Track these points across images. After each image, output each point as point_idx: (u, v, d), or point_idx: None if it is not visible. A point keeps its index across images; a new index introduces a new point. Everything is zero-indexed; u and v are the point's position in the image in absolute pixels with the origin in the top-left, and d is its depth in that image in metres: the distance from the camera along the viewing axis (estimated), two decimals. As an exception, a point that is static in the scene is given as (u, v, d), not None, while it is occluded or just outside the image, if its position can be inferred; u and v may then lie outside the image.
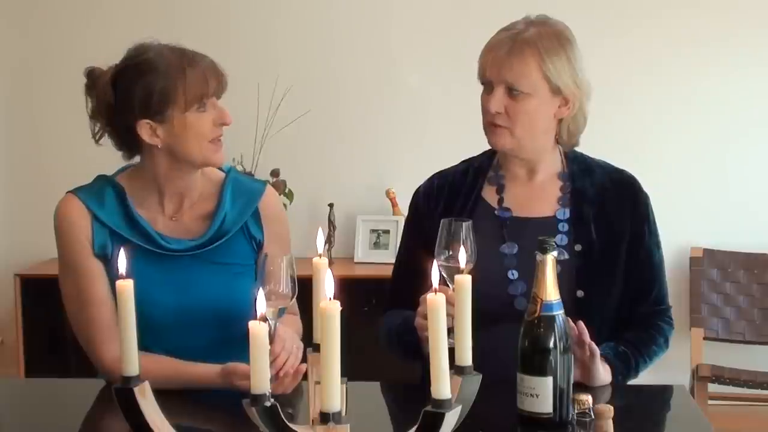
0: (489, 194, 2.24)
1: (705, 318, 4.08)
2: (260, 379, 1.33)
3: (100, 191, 2.12)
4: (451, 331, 1.41)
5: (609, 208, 2.20)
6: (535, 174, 2.23)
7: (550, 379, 1.74)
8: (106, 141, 2.14)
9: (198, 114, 2.04)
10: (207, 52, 2.11)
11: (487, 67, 2.14)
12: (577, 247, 2.15)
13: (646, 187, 2.26)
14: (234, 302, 2.04)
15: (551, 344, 1.75)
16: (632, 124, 4.19)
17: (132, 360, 1.47)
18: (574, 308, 2.02)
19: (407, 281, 2.10)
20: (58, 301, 2.16)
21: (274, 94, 4.12)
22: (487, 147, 2.28)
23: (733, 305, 4.11)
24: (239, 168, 3.86)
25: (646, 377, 2.16)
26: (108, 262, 2.06)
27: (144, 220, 2.10)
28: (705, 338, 4.05)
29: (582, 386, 1.94)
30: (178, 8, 4.26)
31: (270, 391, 1.34)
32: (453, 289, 1.49)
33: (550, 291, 1.76)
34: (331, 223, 4.21)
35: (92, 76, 2.09)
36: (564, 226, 2.18)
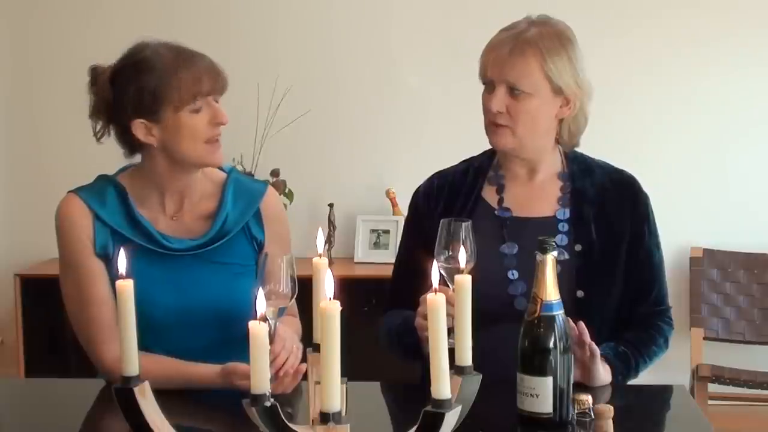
0: (489, 194, 2.24)
1: (705, 318, 4.08)
2: (260, 379, 1.33)
3: (102, 191, 2.12)
4: (451, 331, 1.41)
5: (609, 209, 2.20)
6: (535, 174, 2.23)
7: (550, 379, 1.74)
8: (107, 141, 2.14)
9: (192, 114, 2.03)
10: (207, 52, 2.10)
11: (488, 66, 2.14)
12: (577, 247, 2.15)
13: (646, 187, 2.26)
14: (234, 302, 2.04)
15: (551, 344, 1.75)
16: (632, 124, 4.19)
17: (132, 360, 1.47)
18: (574, 308, 2.02)
19: (407, 281, 2.10)
20: (58, 301, 2.16)
21: (274, 94, 4.12)
22: (487, 147, 2.28)
23: (733, 305, 4.11)
24: (239, 168, 3.86)
25: (646, 377, 2.16)
26: (109, 261, 2.06)
27: (145, 220, 2.10)
28: (705, 338, 4.05)
29: (582, 386, 1.94)
30: (178, 8, 4.26)
31: (270, 391, 1.34)
32: (453, 289, 1.49)
33: (550, 291, 1.76)
34: (331, 223, 4.21)
35: (94, 73, 2.09)
36: (564, 226, 2.18)
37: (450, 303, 1.43)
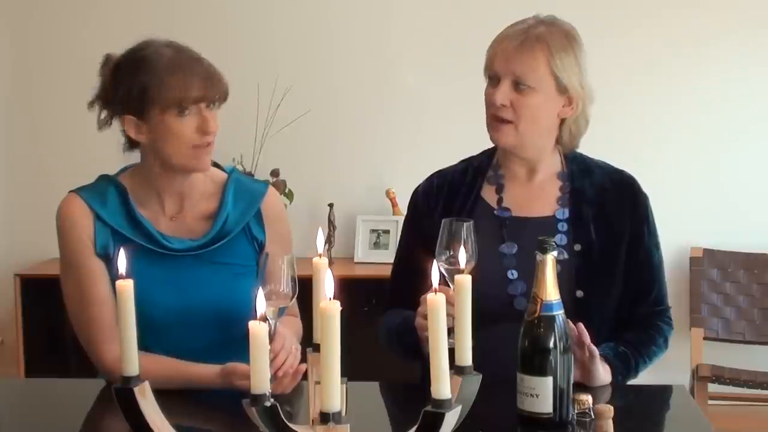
0: (488, 194, 2.24)
1: (705, 318, 4.08)
2: (260, 379, 1.33)
3: (103, 191, 2.12)
4: (451, 331, 1.41)
5: (608, 209, 2.20)
6: (534, 174, 2.23)
7: (550, 379, 1.74)
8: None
9: (178, 118, 2.02)
10: (206, 52, 2.10)
11: (495, 59, 2.14)
12: (577, 247, 2.15)
13: (646, 187, 2.26)
14: (235, 303, 2.04)
15: (551, 344, 1.75)
16: (632, 124, 4.19)
17: (132, 360, 1.47)
18: (573, 308, 2.02)
19: (406, 281, 2.10)
20: (58, 301, 2.16)
21: (273, 94, 4.12)
22: (487, 147, 2.28)
23: (733, 305, 4.11)
24: (239, 168, 3.86)
25: (646, 377, 2.16)
26: (109, 261, 2.06)
27: (146, 220, 2.10)
28: (705, 338, 4.05)
29: (582, 386, 1.94)
30: (178, 8, 4.26)
31: (270, 391, 1.34)
32: (453, 289, 1.49)
33: (550, 291, 1.76)
34: (331, 223, 4.21)
35: (104, 61, 2.10)
36: (563, 226, 2.18)
37: (450, 303, 1.43)
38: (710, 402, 3.77)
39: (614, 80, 3.92)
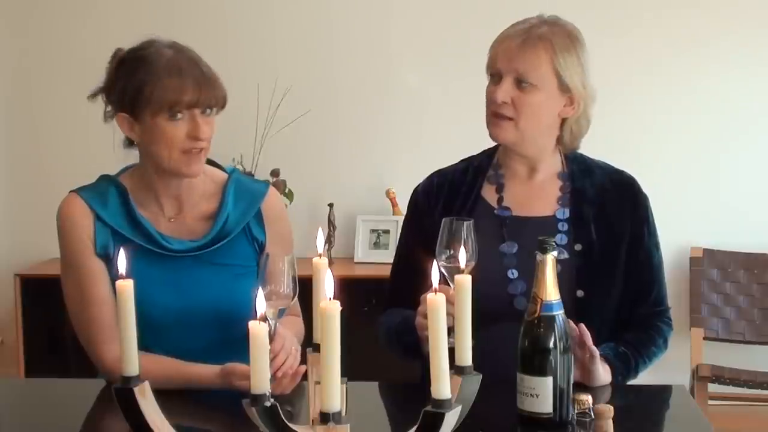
0: (488, 193, 2.24)
1: (705, 318, 4.08)
2: (260, 379, 1.33)
3: (103, 191, 2.12)
4: (451, 330, 1.41)
5: (609, 209, 2.20)
6: (535, 173, 2.23)
7: (550, 379, 1.74)
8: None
9: (169, 122, 2.01)
10: (206, 52, 2.10)
11: (498, 57, 2.15)
12: (577, 247, 2.15)
13: (646, 187, 2.26)
14: (235, 303, 2.04)
15: (551, 344, 1.75)
16: (632, 124, 4.19)
17: (132, 360, 1.47)
18: (574, 308, 2.02)
19: (406, 280, 2.10)
20: (58, 301, 2.16)
21: (273, 94, 4.12)
22: (487, 146, 2.28)
23: (733, 305, 4.11)
24: (239, 168, 3.85)
25: (646, 377, 2.17)
26: (110, 261, 2.06)
27: (146, 221, 2.10)
28: (705, 338, 4.05)
29: (582, 386, 1.94)
30: (178, 8, 4.26)
31: (270, 391, 1.34)
32: (453, 289, 1.49)
33: (550, 291, 1.76)
34: (331, 223, 4.21)
35: (112, 55, 2.09)
36: (564, 226, 2.18)
37: (450, 302, 1.43)
38: (710, 402, 3.77)
39: (614, 80, 3.92)
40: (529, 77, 2.11)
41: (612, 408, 1.65)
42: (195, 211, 2.15)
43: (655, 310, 2.21)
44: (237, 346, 1.85)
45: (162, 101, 2.00)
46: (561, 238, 2.15)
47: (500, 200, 2.22)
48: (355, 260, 4.25)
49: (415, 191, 2.31)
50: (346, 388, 1.44)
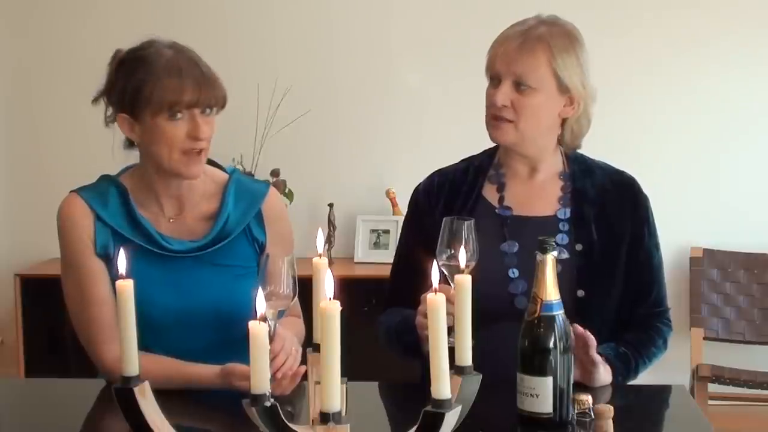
0: (489, 193, 2.24)
1: (705, 318, 4.07)
2: (260, 379, 1.33)
3: (104, 191, 2.12)
4: (451, 330, 1.41)
5: (609, 210, 2.20)
6: (536, 173, 2.23)
7: (550, 379, 1.74)
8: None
9: (169, 122, 2.01)
10: (206, 52, 2.10)
11: (496, 60, 2.14)
12: (578, 247, 2.15)
13: (646, 187, 2.26)
14: (235, 304, 2.04)
15: (551, 344, 1.75)
16: (632, 124, 4.19)
17: (132, 360, 1.47)
18: (574, 308, 2.02)
19: (406, 279, 2.10)
20: (58, 301, 2.16)
21: (273, 94, 4.12)
22: (487, 146, 2.28)
23: (733, 305, 4.11)
24: (239, 168, 3.85)
25: (646, 377, 2.16)
26: (110, 261, 2.06)
27: (146, 221, 2.10)
28: (705, 338, 4.05)
29: (582, 386, 1.94)
30: (178, 8, 4.26)
31: (270, 391, 1.34)
32: (454, 288, 1.49)
33: (550, 291, 1.76)
34: (331, 223, 4.21)
35: (112, 57, 2.09)
36: (564, 226, 2.18)
37: (450, 301, 1.43)
38: (710, 402, 3.77)
39: (614, 80, 3.92)
40: (527, 80, 2.11)
41: (612, 408, 1.65)
42: (195, 211, 2.15)
43: (655, 310, 2.21)
44: (237, 347, 1.85)
45: (162, 101, 1.99)
46: (562, 238, 2.15)
47: (501, 200, 2.22)
48: (355, 260, 4.25)
49: (416, 190, 2.31)
50: (346, 388, 1.44)
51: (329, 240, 4.20)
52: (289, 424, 1.36)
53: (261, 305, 1.35)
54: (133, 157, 2.16)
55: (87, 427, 1.92)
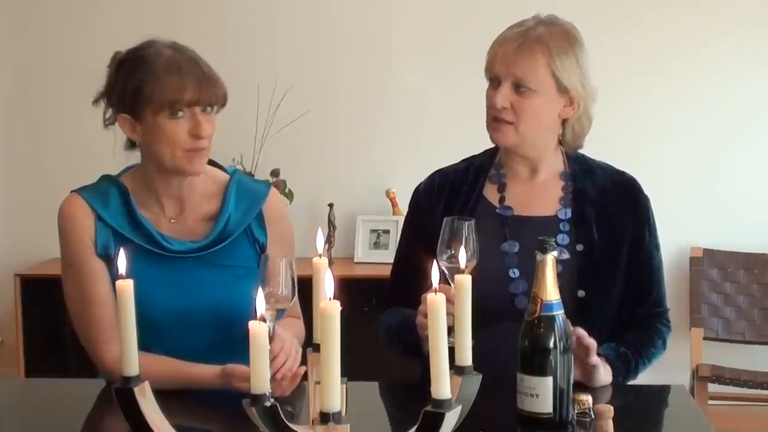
0: (490, 193, 2.24)
1: (705, 318, 4.08)
2: (260, 379, 1.33)
3: (105, 191, 2.12)
4: (451, 330, 1.41)
5: (610, 210, 2.20)
6: (536, 173, 2.23)
7: (550, 379, 1.74)
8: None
9: (171, 120, 2.01)
10: (206, 52, 2.10)
11: (495, 62, 2.14)
12: (579, 247, 2.15)
13: (646, 187, 2.26)
14: (236, 305, 2.03)
15: (551, 344, 1.75)
16: (632, 124, 4.19)
17: (132, 360, 1.47)
18: (575, 308, 2.02)
19: (407, 279, 2.10)
20: (58, 301, 2.16)
21: (273, 94, 4.12)
22: (488, 146, 2.28)
23: (733, 305, 4.11)
24: (239, 168, 3.85)
25: (646, 377, 2.16)
26: (110, 262, 2.05)
27: (147, 221, 2.10)
28: (705, 338, 4.05)
29: (582, 386, 1.94)
30: (178, 9, 4.26)
31: (270, 391, 1.34)
32: (454, 288, 1.49)
33: (550, 291, 1.76)
34: (331, 223, 4.21)
35: (111, 59, 2.09)
36: (565, 226, 2.18)
37: (451, 301, 1.43)
38: (710, 402, 3.77)
39: (614, 80, 3.91)
40: (527, 82, 2.10)
41: (612, 408, 1.65)
42: (196, 211, 2.15)
43: (654, 311, 2.21)
44: (237, 347, 1.85)
45: (163, 100, 1.99)
46: (562, 238, 2.15)
47: (502, 200, 2.22)
48: (355, 260, 4.25)
49: (417, 190, 2.31)
50: (346, 388, 1.44)
51: (329, 240, 4.20)
52: (289, 424, 1.36)
53: (261, 305, 1.35)
54: (134, 157, 2.16)
55: (87, 427, 1.92)
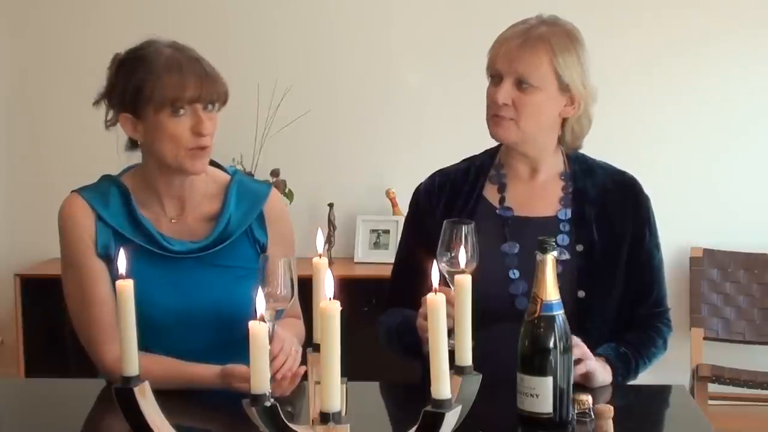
0: (490, 193, 2.24)
1: (705, 318, 4.08)
2: (260, 379, 1.33)
3: (105, 191, 2.12)
4: (451, 332, 1.41)
5: (611, 210, 2.20)
6: (536, 173, 2.23)
7: (550, 379, 1.74)
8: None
9: (172, 118, 2.01)
10: (206, 52, 2.10)
11: (497, 58, 2.14)
12: (579, 247, 2.15)
13: (646, 187, 2.26)
14: (236, 305, 2.03)
15: (551, 344, 1.75)
16: (632, 124, 4.19)
17: (132, 360, 1.47)
18: (575, 308, 2.02)
19: (407, 280, 2.10)
20: (58, 301, 2.16)
21: (273, 94, 4.12)
22: (488, 146, 2.28)
23: (733, 305, 4.11)
24: (239, 168, 3.85)
25: (646, 377, 2.17)
26: (111, 262, 2.05)
27: (147, 221, 2.10)
28: (705, 338, 4.05)
29: (582, 386, 1.94)
30: (178, 9, 4.26)
31: (270, 391, 1.34)
32: (454, 290, 1.49)
33: (550, 291, 1.76)
34: (331, 223, 4.21)
35: (111, 60, 2.09)
36: (565, 226, 2.18)
37: (451, 303, 1.43)
38: (710, 402, 3.77)
39: (614, 80, 3.92)
40: (529, 78, 2.11)
41: (612, 408, 1.65)
42: (197, 212, 2.15)
43: (655, 311, 2.21)
44: (237, 348, 1.85)
45: (164, 97, 1.99)
46: (563, 239, 2.15)
47: (502, 200, 2.22)
48: (355, 260, 4.25)
49: (417, 190, 2.31)
50: (346, 388, 1.44)
51: (329, 240, 4.20)
52: (289, 424, 1.36)
53: (261, 305, 1.35)
54: (135, 157, 2.15)
55: (87, 427, 1.92)
